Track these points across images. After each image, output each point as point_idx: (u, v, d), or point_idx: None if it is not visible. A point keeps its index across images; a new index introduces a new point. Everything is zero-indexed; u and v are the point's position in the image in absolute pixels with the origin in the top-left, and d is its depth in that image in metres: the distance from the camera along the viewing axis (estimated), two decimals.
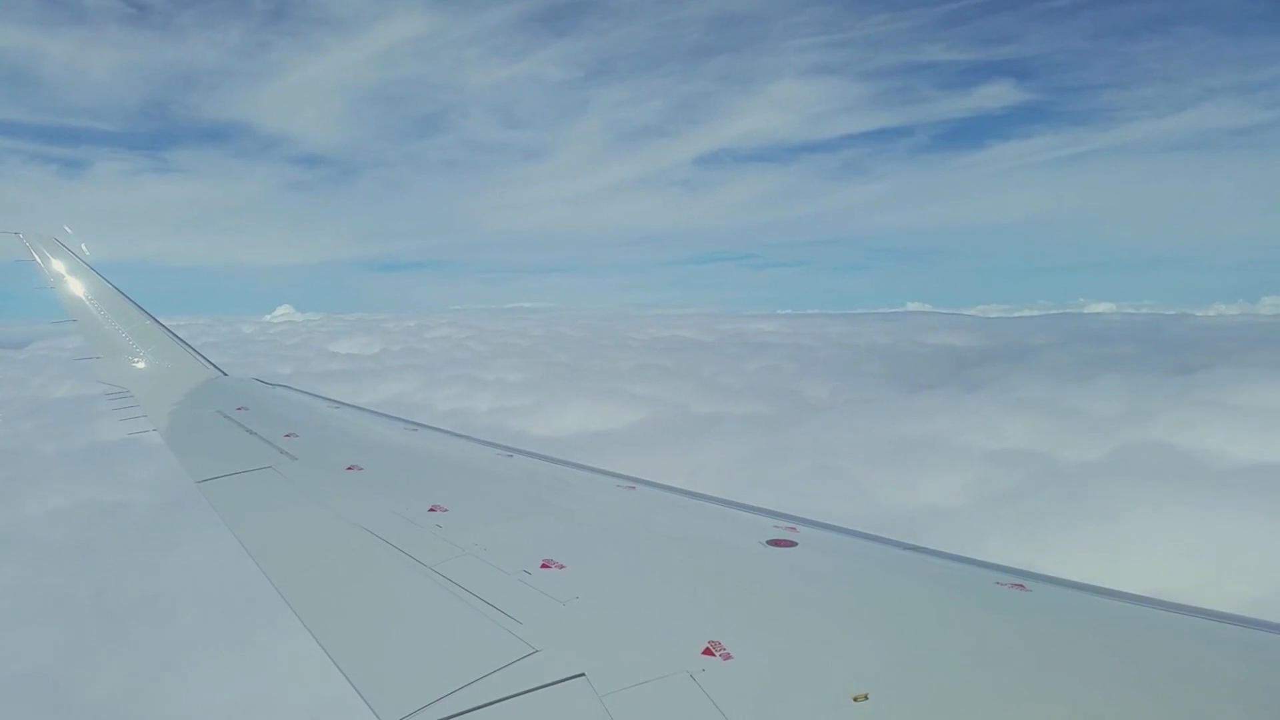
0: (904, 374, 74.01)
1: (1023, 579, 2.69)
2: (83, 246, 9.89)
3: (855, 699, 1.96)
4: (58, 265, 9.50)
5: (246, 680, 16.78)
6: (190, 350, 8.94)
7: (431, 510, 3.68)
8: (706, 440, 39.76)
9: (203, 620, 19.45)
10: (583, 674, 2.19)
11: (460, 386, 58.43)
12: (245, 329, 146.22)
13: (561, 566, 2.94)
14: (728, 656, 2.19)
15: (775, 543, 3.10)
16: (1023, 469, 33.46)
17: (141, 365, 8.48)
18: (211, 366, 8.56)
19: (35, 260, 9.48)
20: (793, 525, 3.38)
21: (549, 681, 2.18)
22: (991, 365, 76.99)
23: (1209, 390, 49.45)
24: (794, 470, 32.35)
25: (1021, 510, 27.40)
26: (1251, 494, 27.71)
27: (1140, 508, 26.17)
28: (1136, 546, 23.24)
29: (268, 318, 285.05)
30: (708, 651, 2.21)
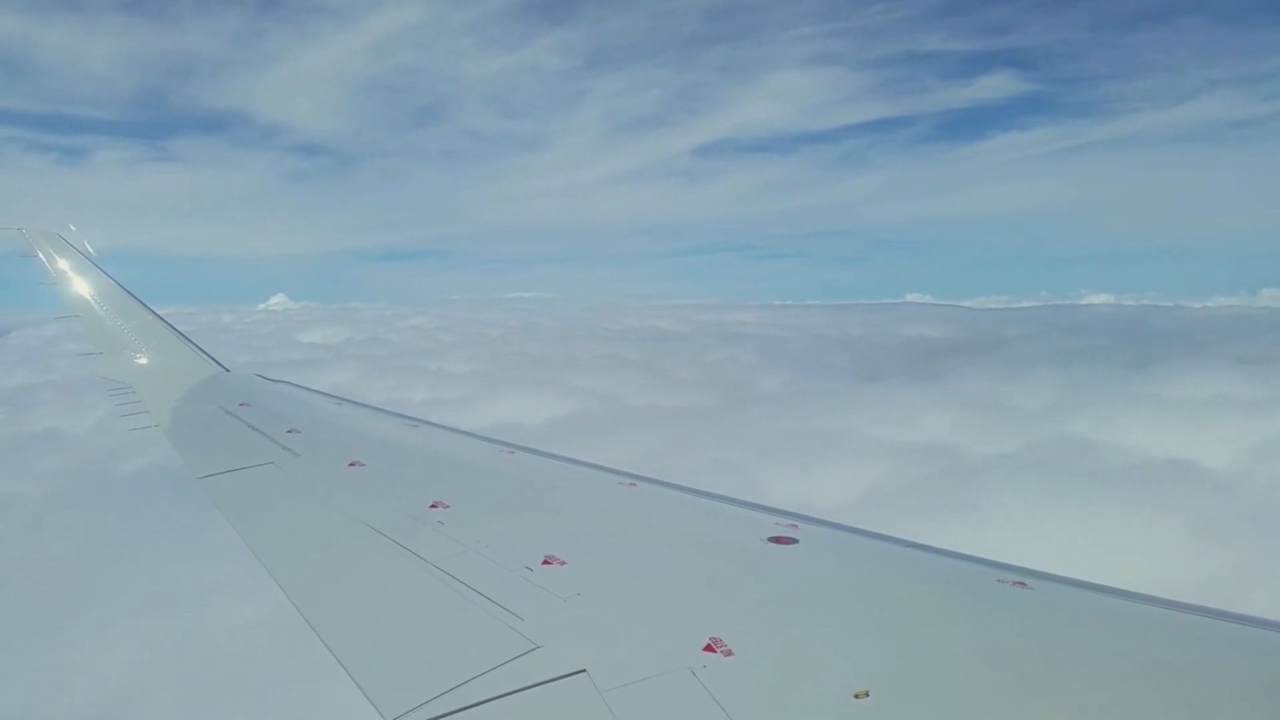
0: (863, 365, 73.49)
1: (1024, 577, 2.67)
2: (87, 244, 9.92)
3: (856, 695, 1.95)
4: (61, 263, 9.50)
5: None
6: (193, 346, 8.87)
7: (433, 506, 3.69)
8: (617, 433, 39.38)
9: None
10: (584, 670, 2.20)
11: (402, 377, 58.18)
12: (225, 318, 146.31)
13: (563, 563, 2.94)
14: (729, 653, 2.20)
15: (776, 540, 3.09)
16: (923, 464, 32.97)
17: (144, 361, 8.45)
18: (214, 362, 8.51)
19: (38, 257, 9.47)
20: (794, 522, 3.36)
21: (550, 678, 2.18)
22: (954, 357, 76.39)
23: (1151, 383, 48.92)
24: (690, 466, 31.87)
25: (899, 505, 26.95)
26: (1135, 490, 27.26)
27: (1017, 502, 25.70)
28: (991, 540, 22.77)
29: (261, 307, 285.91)
30: (709, 648, 2.22)
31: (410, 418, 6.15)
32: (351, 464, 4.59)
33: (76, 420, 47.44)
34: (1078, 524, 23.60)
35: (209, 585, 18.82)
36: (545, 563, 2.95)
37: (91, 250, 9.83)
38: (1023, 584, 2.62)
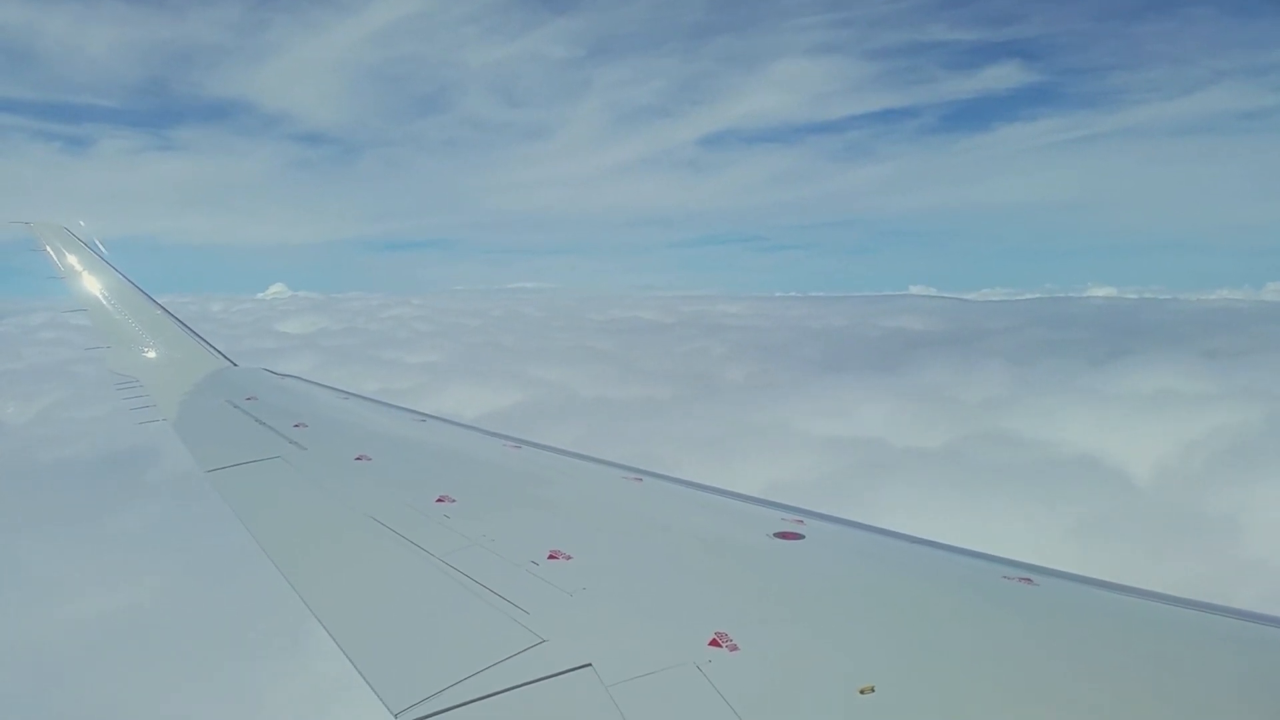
0: (832, 357, 73.14)
1: (1030, 573, 2.66)
2: (97, 241, 9.89)
3: (862, 691, 1.94)
4: (70, 257, 9.52)
5: None
6: (200, 340, 8.89)
7: (440, 501, 3.69)
8: (547, 425, 39.30)
9: None
10: (589, 664, 2.19)
11: (357, 367, 58.20)
12: (214, 307, 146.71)
13: (569, 557, 2.94)
14: (734, 648, 2.18)
15: (782, 535, 3.09)
16: (838, 457, 32.85)
17: (152, 355, 8.47)
18: (221, 357, 8.52)
19: (46, 251, 9.49)
20: (800, 518, 3.35)
21: (556, 671, 2.18)
22: (925, 349, 75.92)
23: (1103, 378, 48.60)
24: (606, 457, 31.85)
25: (789, 497, 26.77)
26: (1033, 486, 27.04)
27: (907, 497, 25.51)
28: None
29: (260, 296, 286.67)
30: (714, 643, 2.21)
31: (417, 412, 6.17)
32: (358, 458, 4.58)
33: (23, 408, 47.88)
34: (959, 520, 23.42)
35: (45, 579, 18.94)
36: (551, 557, 2.94)
37: (102, 246, 9.86)
38: (1029, 580, 2.61)
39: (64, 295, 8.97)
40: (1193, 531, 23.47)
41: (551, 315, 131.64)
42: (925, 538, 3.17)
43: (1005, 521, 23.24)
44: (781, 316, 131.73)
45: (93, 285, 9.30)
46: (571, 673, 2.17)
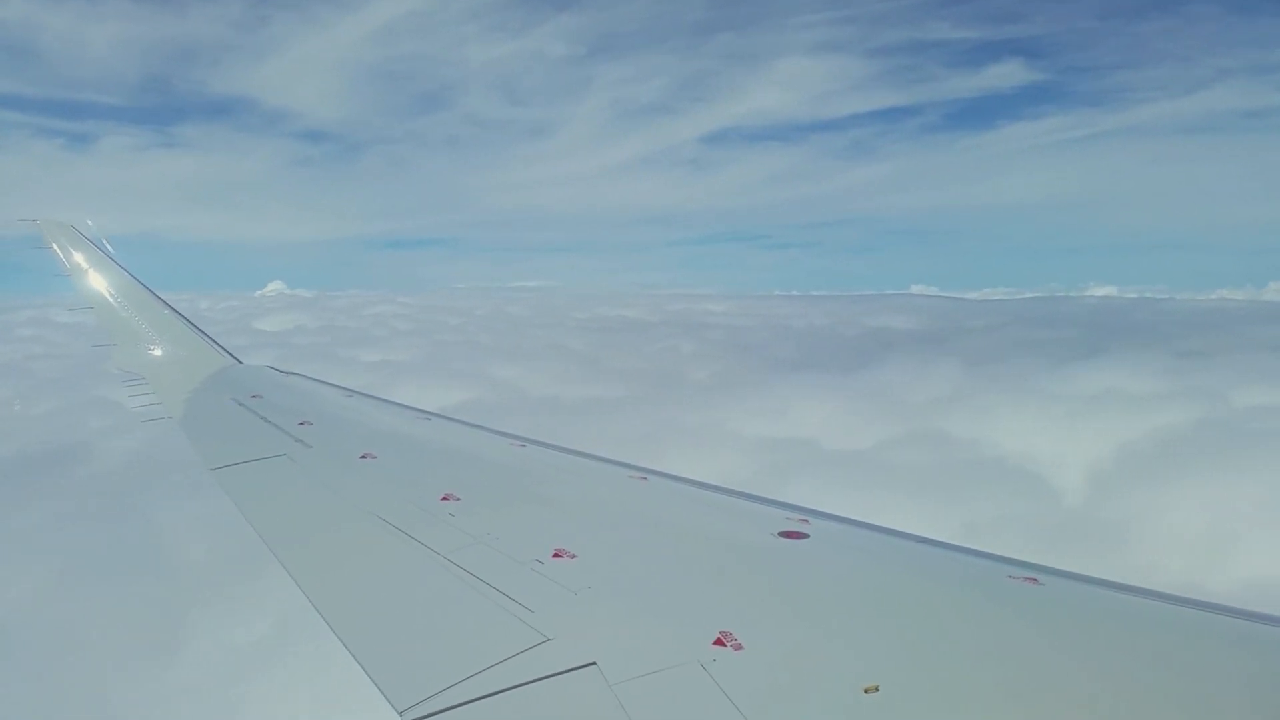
0: (801, 356, 72.83)
1: (1036, 573, 2.65)
2: (104, 240, 9.92)
3: (866, 691, 1.94)
4: (76, 255, 9.52)
5: None
6: (206, 338, 8.92)
7: (444, 499, 3.69)
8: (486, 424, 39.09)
9: None
10: (594, 663, 2.20)
11: (312, 365, 57.98)
12: (202, 304, 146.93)
13: (573, 556, 2.94)
14: (739, 647, 2.19)
15: (787, 534, 3.08)
16: (760, 457, 32.53)
17: (158, 353, 8.49)
18: (227, 354, 8.55)
19: (52, 249, 9.50)
20: (804, 517, 3.33)
21: (560, 670, 2.19)
22: (897, 348, 75.52)
23: (1056, 378, 48.13)
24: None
25: None
26: (940, 488, 26.69)
27: (811, 497, 25.16)
28: None
29: (257, 294, 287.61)
30: (719, 642, 2.21)
31: (422, 410, 6.19)
32: (363, 456, 4.60)
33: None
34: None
35: None
36: (555, 556, 2.94)
37: (107, 244, 9.83)
38: (1034, 580, 2.59)
39: (70, 292, 8.99)
40: (1083, 535, 23.11)
41: (537, 314, 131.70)
42: (931, 538, 3.16)
43: (890, 522, 22.89)
44: (767, 315, 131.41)
45: (99, 283, 9.29)
46: (576, 671, 2.17)
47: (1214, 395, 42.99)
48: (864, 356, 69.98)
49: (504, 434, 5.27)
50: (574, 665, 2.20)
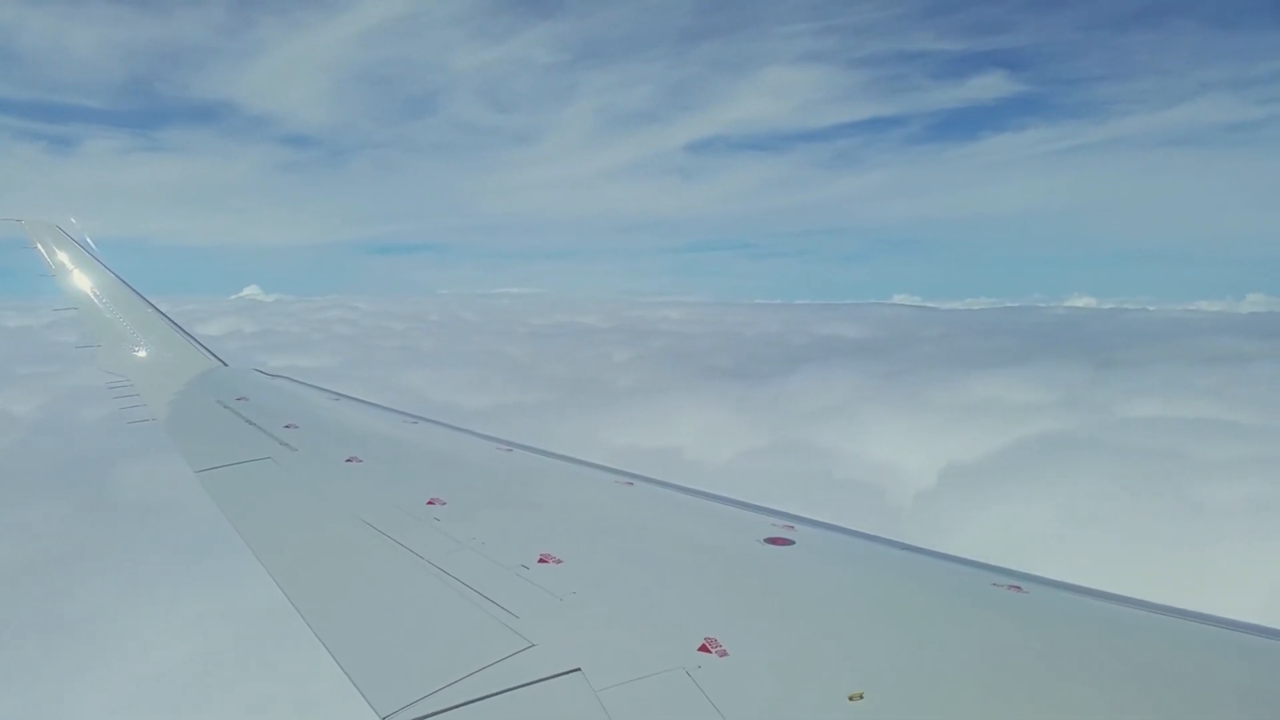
0: (733, 365, 72.84)
1: (1019, 581, 2.67)
2: (87, 238, 9.91)
3: (851, 698, 1.95)
4: (60, 255, 9.47)
5: None
6: (191, 340, 8.88)
7: (430, 503, 3.69)
8: None
9: None
10: (578, 669, 2.20)
11: None
12: (162, 308, 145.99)
13: (559, 561, 2.94)
14: (724, 653, 2.20)
15: (773, 541, 3.09)
16: (622, 467, 32.22)
17: (142, 354, 8.42)
18: (212, 357, 8.50)
19: (37, 248, 9.44)
20: (790, 524, 3.34)
21: (544, 676, 2.18)
22: (826, 358, 75.57)
23: (946, 388, 48.17)
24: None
25: None
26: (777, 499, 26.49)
27: None
28: None
29: (232, 297, 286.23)
30: (704, 648, 2.22)
31: (408, 414, 6.16)
32: (349, 460, 4.59)
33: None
34: None
35: None
36: (541, 561, 2.94)
37: (92, 243, 9.83)
38: (1018, 588, 2.62)
39: (56, 296, 8.90)
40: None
41: (491, 320, 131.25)
42: (915, 545, 3.16)
43: None
44: (723, 323, 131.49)
45: (83, 283, 9.21)
46: (560, 677, 2.18)
47: (1098, 407, 43.19)
48: (789, 365, 70.05)
49: (490, 438, 5.27)
50: (558, 671, 2.20)
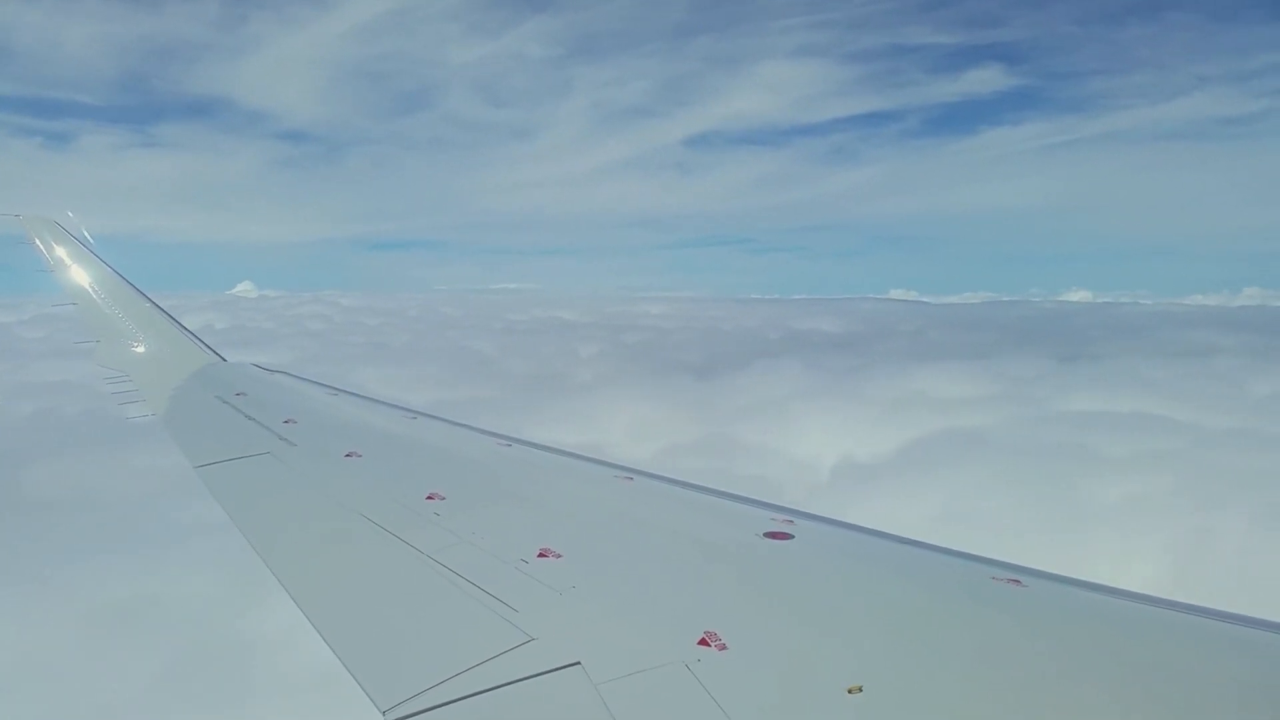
0: (698, 360, 72.70)
1: (1019, 574, 2.68)
2: (85, 232, 9.86)
3: (850, 691, 1.95)
4: (58, 250, 9.45)
5: None
6: (190, 335, 8.88)
7: (429, 498, 3.69)
8: None
9: None
10: (578, 663, 2.20)
11: None
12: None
13: (558, 556, 2.95)
14: (723, 647, 2.20)
15: (772, 535, 3.09)
16: None
17: (140, 350, 8.41)
18: (211, 352, 8.48)
19: (35, 243, 9.41)
20: (789, 518, 3.34)
21: (544, 670, 2.19)
22: (789, 353, 75.47)
23: (887, 381, 48.04)
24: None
25: None
26: None
27: None
28: None
29: (226, 294, 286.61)
30: (703, 642, 2.22)
31: (408, 409, 6.17)
32: (348, 455, 4.59)
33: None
34: None
35: None
36: (541, 555, 2.95)
37: (90, 238, 9.78)
38: (1017, 581, 2.62)
39: (55, 292, 8.88)
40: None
41: (468, 315, 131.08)
42: (914, 539, 3.17)
43: None
44: (702, 319, 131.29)
45: (81, 278, 9.20)
46: (560, 671, 2.18)
47: (1035, 401, 43.05)
48: (749, 361, 69.94)
49: (490, 433, 5.27)
50: (558, 665, 2.20)
